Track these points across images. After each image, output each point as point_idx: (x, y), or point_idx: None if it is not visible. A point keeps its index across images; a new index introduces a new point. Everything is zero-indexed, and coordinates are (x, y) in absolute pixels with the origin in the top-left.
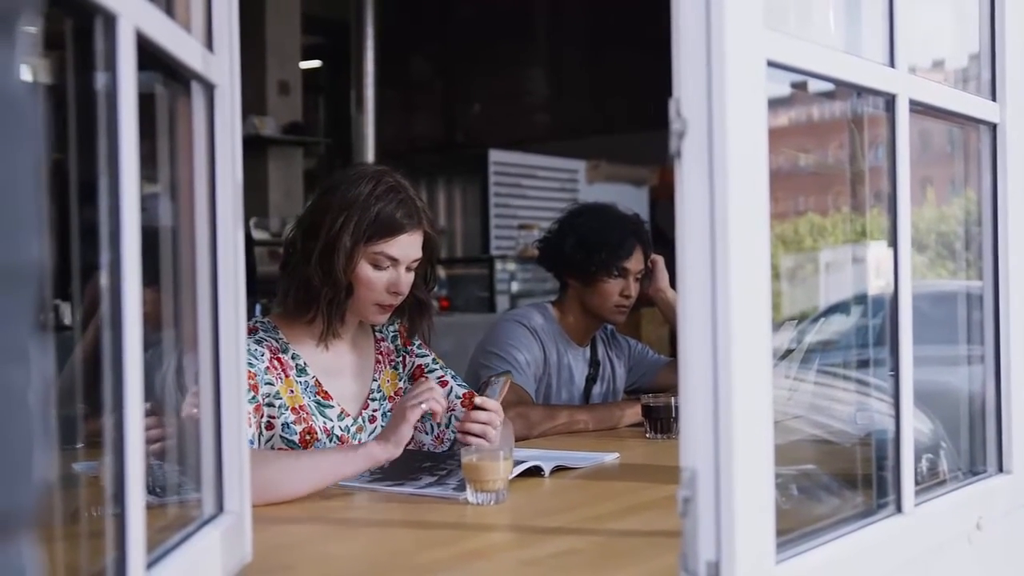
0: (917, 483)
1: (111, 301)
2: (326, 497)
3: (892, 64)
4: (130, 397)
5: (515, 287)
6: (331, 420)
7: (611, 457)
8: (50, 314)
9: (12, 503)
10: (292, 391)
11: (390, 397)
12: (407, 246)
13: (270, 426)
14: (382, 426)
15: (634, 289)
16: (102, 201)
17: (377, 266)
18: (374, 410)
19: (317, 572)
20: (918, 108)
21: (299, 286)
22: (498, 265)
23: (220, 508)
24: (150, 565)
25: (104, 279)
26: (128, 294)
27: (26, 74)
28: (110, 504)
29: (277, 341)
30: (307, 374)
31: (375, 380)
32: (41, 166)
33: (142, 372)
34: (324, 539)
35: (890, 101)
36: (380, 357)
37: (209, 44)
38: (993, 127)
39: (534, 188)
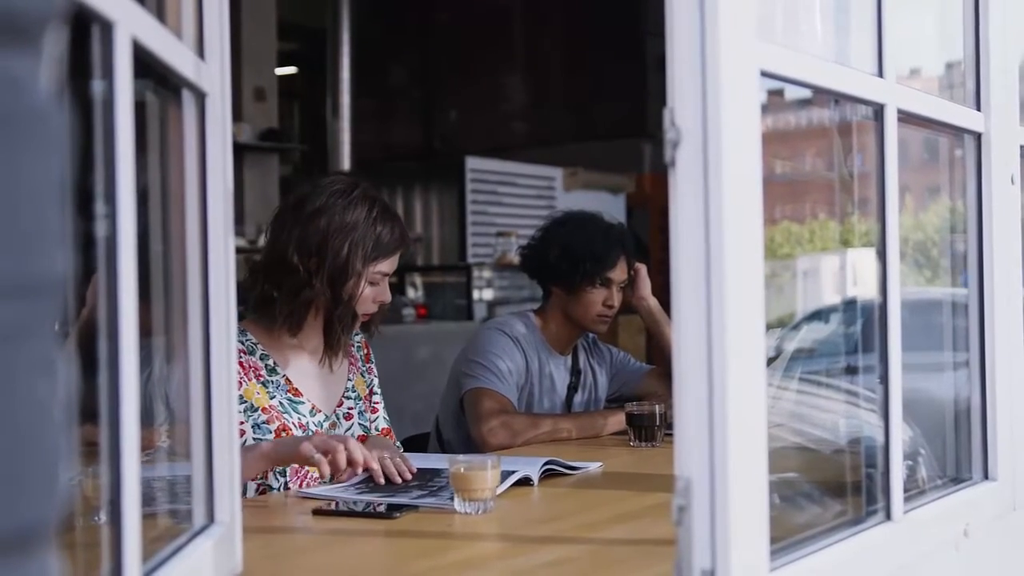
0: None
1: (107, 309)
2: (315, 508)
3: (880, 74)
4: (126, 407)
5: (493, 295)
6: (304, 416)
7: (595, 466)
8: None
9: (40, 515)
10: (259, 393)
11: (364, 398)
12: (396, 261)
13: (240, 433)
14: (359, 423)
15: (617, 299)
16: (98, 209)
17: (372, 283)
18: (349, 408)
19: None
20: (904, 117)
21: (301, 306)
22: (475, 273)
23: (211, 519)
24: None
25: (100, 287)
26: (124, 301)
27: (52, 85)
28: (97, 514)
29: (243, 343)
30: (277, 374)
31: (350, 380)
32: (66, 178)
33: (138, 382)
34: (314, 550)
35: (879, 110)
36: (352, 360)
37: (200, 52)
38: (977, 136)
39: (511, 195)
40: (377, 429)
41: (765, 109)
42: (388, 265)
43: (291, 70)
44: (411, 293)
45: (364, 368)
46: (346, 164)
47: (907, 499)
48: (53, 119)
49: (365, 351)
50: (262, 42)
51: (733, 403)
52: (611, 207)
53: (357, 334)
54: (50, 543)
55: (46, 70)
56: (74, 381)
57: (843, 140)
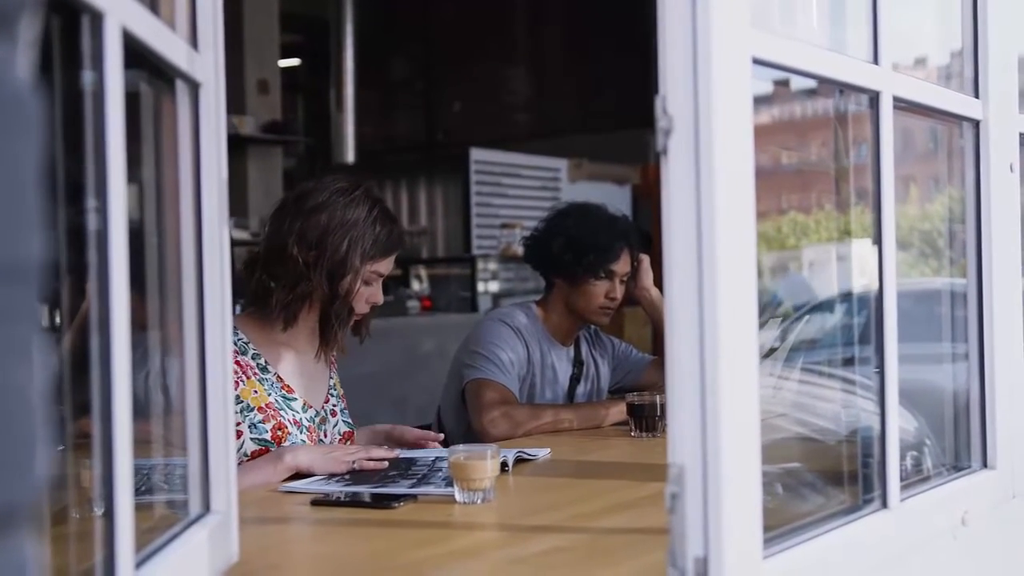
0: (902, 479)
1: (99, 302)
2: (314, 499)
3: (876, 61)
4: (118, 397)
5: (497, 287)
6: (297, 412)
7: (543, 452)
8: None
9: (15, 498)
10: (256, 391)
11: (341, 396)
12: (392, 263)
13: (237, 435)
14: (343, 420)
15: (619, 291)
16: (88, 201)
17: (367, 283)
18: (333, 405)
19: (304, 572)
20: (901, 105)
21: (298, 299)
22: (480, 264)
23: (207, 508)
24: (138, 565)
25: (90, 280)
26: (116, 295)
27: (27, 72)
28: (93, 504)
29: (235, 343)
30: (269, 372)
31: (332, 379)
32: (42, 163)
33: (130, 372)
34: (311, 540)
35: (874, 98)
36: (332, 360)
37: (194, 42)
38: (976, 124)
39: (516, 187)
40: (339, 433)
41: (771, 99)
42: (384, 266)
43: (294, 62)
44: (415, 285)
45: (337, 369)
46: (350, 156)
47: (904, 487)
48: (29, 105)
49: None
50: (265, 34)
51: (726, 390)
52: (616, 198)
53: None
54: (26, 526)
55: (22, 57)
56: (54, 367)
57: (849, 130)
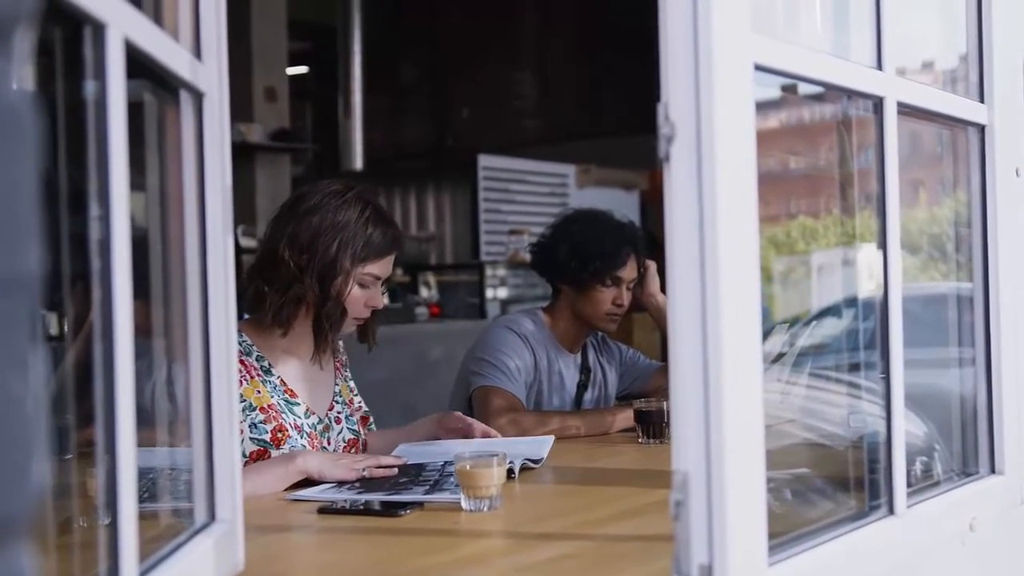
0: (910, 485)
1: (102, 311)
2: (321, 507)
3: (880, 67)
4: (121, 406)
5: (506, 293)
6: (299, 417)
7: (547, 441)
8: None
9: (11, 508)
10: (259, 392)
11: (348, 403)
12: (390, 265)
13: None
14: (347, 427)
15: (626, 298)
16: (92, 210)
17: (362, 285)
18: (338, 412)
19: None
20: (906, 110)
21: (290, 302)
22: (488, 271)
23: (212, 517)
24: (143, 574)
25: (95, 289)
26: (119, 303)
27: (23, 83)
28: (99, 514)
29: (240, 345)
30: (273, 375)
31: (336, 385)
32: (38, 175)
33: (133, 380)
34: (317, 548)
35: (878, 103)
36: (338, 366)
37: (197, 52)
38: (981, 128)
39: (524, 193)
40: (344, 441)
41: (779, 104)
42: (379, 268)
43: (302, 69)
44: (424, 292)
45: (347, 375)
46: (358, 163)
47: (912, 493)
48: (25, 116)
49: (345, 357)
50: (273, 42)
51: (729, 397)
52: (625, 204)
53: (340, 341)
54: (22, 538)
55: (18, 69)
56: (60, 376)
57: (858, 135)
